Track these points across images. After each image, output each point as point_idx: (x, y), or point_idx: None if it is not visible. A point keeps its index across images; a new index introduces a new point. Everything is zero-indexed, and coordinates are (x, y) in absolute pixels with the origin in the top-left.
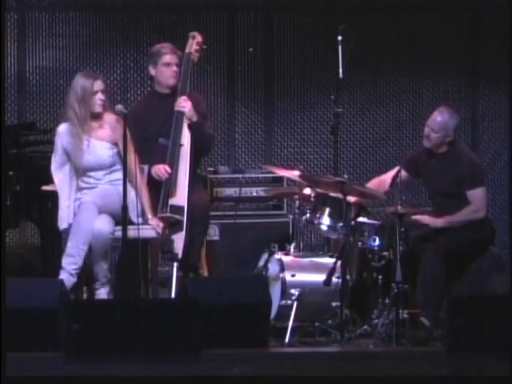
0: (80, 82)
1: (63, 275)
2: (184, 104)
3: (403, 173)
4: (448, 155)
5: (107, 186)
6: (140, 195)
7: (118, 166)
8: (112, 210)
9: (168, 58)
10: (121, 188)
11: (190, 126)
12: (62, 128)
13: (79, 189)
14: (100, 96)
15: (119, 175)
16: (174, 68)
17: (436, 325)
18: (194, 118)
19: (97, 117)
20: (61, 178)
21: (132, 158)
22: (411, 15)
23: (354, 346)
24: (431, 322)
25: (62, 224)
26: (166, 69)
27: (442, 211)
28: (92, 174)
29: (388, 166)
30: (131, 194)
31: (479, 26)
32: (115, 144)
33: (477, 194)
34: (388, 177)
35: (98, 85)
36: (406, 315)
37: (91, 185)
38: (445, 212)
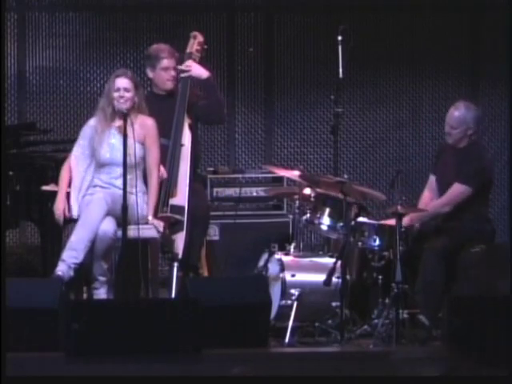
0: (110, 78)
1: (62, 267)
2: (189, 66)
3: (433, 178)
4: (465, 150)
5: (118, 189)
6: (149, 195)
7: (139, 172)
8: (117, 215)
9: (166, 62)
10: (133, 197)
11: (191, 126)
12: (91, 121)
13: (93, 185)
14: (121, 93)
15: (139, 183)
16: (172, 73)
17: (436, 325)
18: (204, 75)
19: (126, 116)
20: (80, 169)
21: (154, 156)
22: (411, 15)
23: (354, 346)
24: (431, 321)
25: (72, 212)
26: (164, 73)
27: None
28: (110, 170)
29: (388, 165)
30: (131, 198)
31: (479, 25)
32: (142, 144)
33: (456, 189)
34: (428, 192)
35: (120, 82)
36: (406, 315)
37: (105, 184)
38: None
